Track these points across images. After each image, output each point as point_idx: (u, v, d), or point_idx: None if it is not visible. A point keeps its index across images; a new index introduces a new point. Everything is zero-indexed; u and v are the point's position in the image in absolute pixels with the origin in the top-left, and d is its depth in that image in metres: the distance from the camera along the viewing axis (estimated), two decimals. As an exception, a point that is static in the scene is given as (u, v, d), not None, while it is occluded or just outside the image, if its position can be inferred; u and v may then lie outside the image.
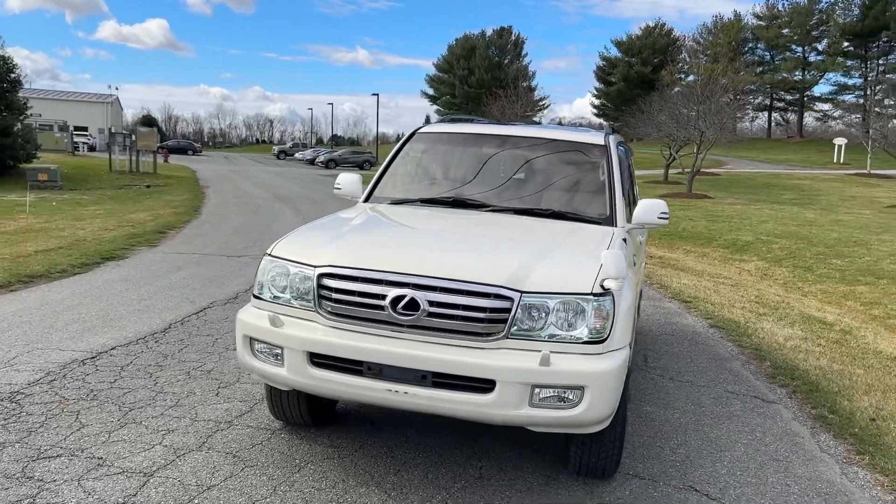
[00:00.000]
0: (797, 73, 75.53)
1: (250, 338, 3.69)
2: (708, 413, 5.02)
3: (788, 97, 77.14)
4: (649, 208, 4.51)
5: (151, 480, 3.57)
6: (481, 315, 3.32)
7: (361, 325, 3.45)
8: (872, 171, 45.90)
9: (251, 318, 3.70)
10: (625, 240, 4.23)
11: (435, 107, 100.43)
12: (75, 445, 3.93)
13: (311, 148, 73.03)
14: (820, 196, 32.23)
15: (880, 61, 71.90)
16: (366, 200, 4.92)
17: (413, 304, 3.34)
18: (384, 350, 3.36)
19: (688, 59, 74.52)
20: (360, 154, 59.05)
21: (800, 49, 76.06)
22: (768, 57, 79.21)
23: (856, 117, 68.73)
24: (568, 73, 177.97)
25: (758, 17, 78.79)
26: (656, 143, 40.45)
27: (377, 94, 65.45)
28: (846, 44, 72.32)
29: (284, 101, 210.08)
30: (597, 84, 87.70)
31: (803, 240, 16.15)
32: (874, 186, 39.05)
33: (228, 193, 24.16)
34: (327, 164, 53.84)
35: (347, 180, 5.07)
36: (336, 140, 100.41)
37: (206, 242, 12.24)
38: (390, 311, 3.37)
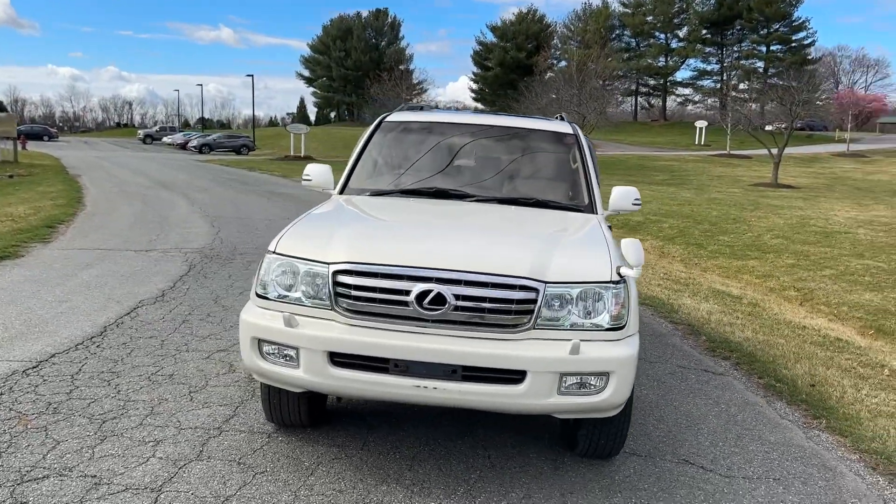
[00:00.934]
0: (661, 59, 79.82)
1: (259, 339, 3.55)
2: (671, 388, 5.29)
3: (653, 82, 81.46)
4: (624, 195, 4.68)
5: (163, 496, 3.37)
6: (509, 307, 3.34)
7: (384, 322, 3.39)
8: (732, 152, 49.25)
9: (258, 318, 3.55)
10: (610, 227, 4.37)
11: (311, 89, 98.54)
12: (59, 465, 3.64)
13: (179, 132, 69.71)
14: (690, 176, 34.35)
15: (735, 48, 77.16)
16: (341, 192, 4.80)
17: (440, 299, 3.32)
18: (412, 346, 3.32)
19: (559, 46, 77.00)
20: (237, 138, 57.01)
21: (663, 36, 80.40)
22: (634, 44, 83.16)
23: (714, 101, 73.60)
24: (440, 56, 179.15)
25: (624, 4, 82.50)
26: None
27: (252, 76, 63.30)
28: (704, 31, 77.10)
29: (143, 81, 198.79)
30: (474, 68, 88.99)
31: (688, 218, 17.21)
32: (735, 166, 42.03)
33: (106, 182, 22.70)
34: (201, 149, 51.63)
35: (318, 171, 4.93)
36: (204, 123, 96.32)
37: (105, 237, 11.49)
38: (416, 306, 3.33)
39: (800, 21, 75.87)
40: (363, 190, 4.80)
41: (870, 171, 39.14)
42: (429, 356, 3.31)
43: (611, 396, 3.37)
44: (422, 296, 3.33)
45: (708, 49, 77.51)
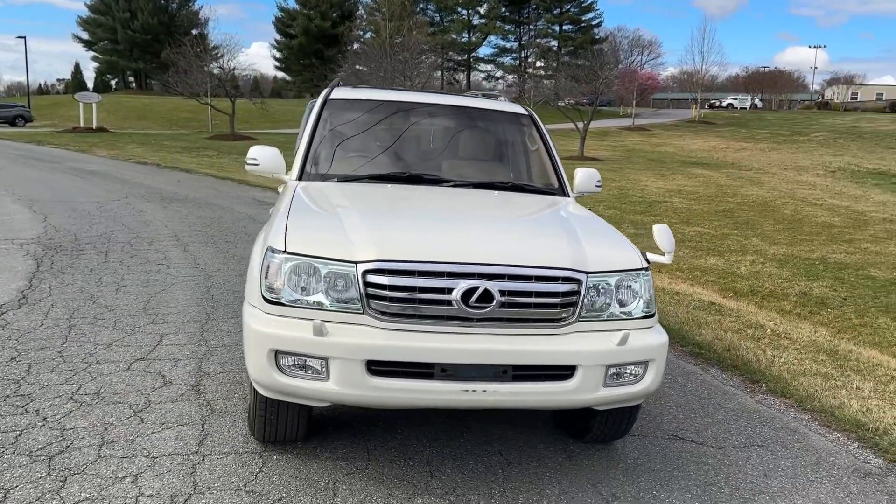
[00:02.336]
0: (464, 34, 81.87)
1: (276, 351, 3.12)
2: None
3: (458, 57, 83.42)
4: (588, 176, 4.68)
5: (185, 543, 2.88)
6: (555, 300, 3.22)
7: (425, 324, 3.12)
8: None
9: (274, 328, 3.13)
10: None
11: (92, 53, 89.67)
12: (27, 520, 2.99)
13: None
14: (505, 149, 35.72)
15: (531, 27, 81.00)
16: (300, 178, 4.34)
17: (487, 296, 3.11)
18: (459, 348, 3.09)
19: (364, 17, 76.29)
20: (10, 107, 50.49)
21: (465, 12, 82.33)
22: (438, 18, 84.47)
23: (514, 78, 77.00)
24: (234, 21, 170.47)
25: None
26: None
27: (24, 37, 56.40)
28: (503, 9, 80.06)
29: None
30: (277, 36, 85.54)
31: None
32: (541, 139, 44.22)
33: None
34: (-35, 120, 45.22)
35: (267, 154, 4.43)
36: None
37: None
38: (461, 305, 3.10)
39: (588, 2, 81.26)
40: (327, 175, 4.39)
41: (656, 143, 43.05)
42: (478, 358, 3.11)
43: (650, 385, 3.37)
44: (468, 293, 3.10)
45: (507, 27, 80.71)
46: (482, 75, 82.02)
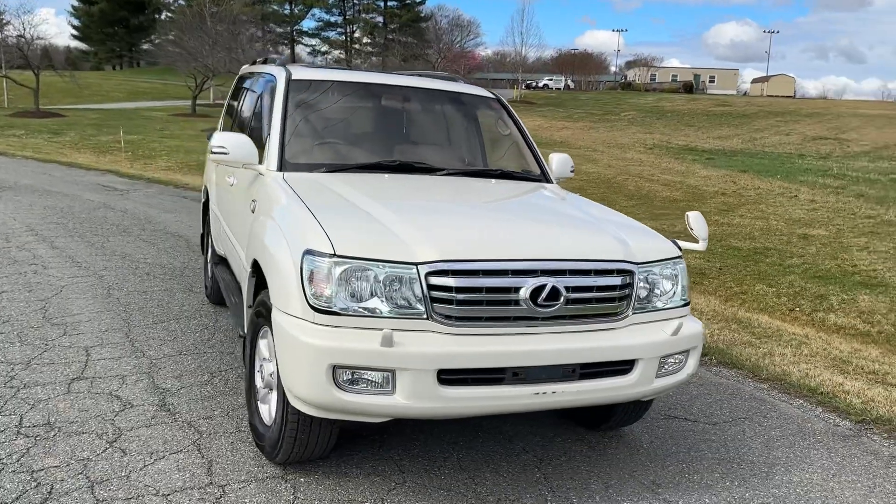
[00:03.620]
0: (286, 6, 78.95)
1: (335, 366, 2.80)
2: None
3: (280, 30, 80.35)
4: (563, 162, 4.64)
5: None
6: (613, 294, 3.16)
7: (493, 327, 2.94)
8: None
9: (332, 340, 2.81)
10: None
11: None
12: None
13: None
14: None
15: (356, 1, 79.78)
16: (280, 169, 3.92)
17: (554, 294, 2.99)
18: (532, 350, 2.96)
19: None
20: None
21: (285, -19, 79.34)
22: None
23: (340, 53, 75.65)
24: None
25: (240, -55, 78.96)
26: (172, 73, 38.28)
27: None
28: (326, -20, 78.01)
29: None
30: (74, 2, 77.56)
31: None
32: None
33: None
34: None
35: (236, 142, 3.97)
36: None
37: None
38: (530, 304, 2.95)
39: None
40: (313, 165, 4.00)
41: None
42: (550, 359, 2.98)
43: (691, 372, 3.41)
44: (535, 292, 2.96)
45: (331, 0, 78.81)
46: (307, 50, 79.81)
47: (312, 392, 2.84)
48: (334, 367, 2.80)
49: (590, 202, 4.07)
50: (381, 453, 3.58)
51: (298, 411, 3.06)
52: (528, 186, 4.27)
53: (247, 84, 5.42)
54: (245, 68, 5.86)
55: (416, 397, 2.82)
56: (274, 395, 3.37)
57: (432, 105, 4.71)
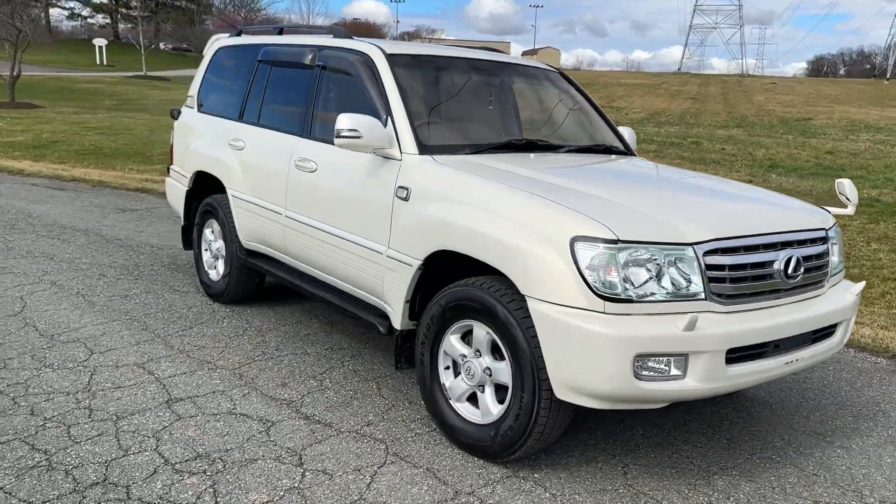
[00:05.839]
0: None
1: (640, 355, 2.75)
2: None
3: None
4: (632, 136, 4.79)
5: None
6: (823, 261, 3.38)
7: (754, 301, 3.05)
8: (149, 73, 47.59)
9: (635, 329, 2.75)
10: None
11: None
12: None
13: None
14: (136, 101, 32.23)
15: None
16: (422, 152, 3.66)
17: (798, 264, 3.16)
18: (792, 321, 3.11)
19: None
20: None
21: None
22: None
23: (104, 18, 68.59)
24: None
25: None
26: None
27: None
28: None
29: None
30: None
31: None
32: (165, 89, 40.87)
33: None
34: None
35: (369, 125, 3.63)
36: None
37: None
38: (782, 276, 3.10)
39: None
40: (454, 147, 3.76)
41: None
42: (801, 327, 3.15)
43: (842, 339, 3.63)
44: (786, 263, 3.11)
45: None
46: (65, 14, 71.27)
47: (613, 385, 2.76)
48: (638, 356, 2.75)
49: (702, 174, 4.26)
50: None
51: (551, 403, 2.96)
52: (643, 162, 4.35)
53: (265, 57, 4.90)
54: (251, 41, 5.28)
55: (706, 379, 2.85)
56: (488, 391, 3.21)
57: (521, 80, 4.61)
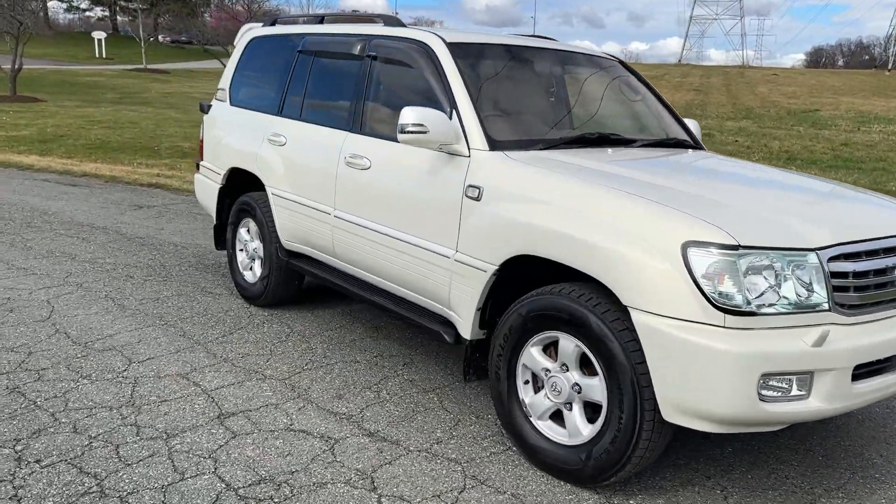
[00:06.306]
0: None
1: (763, 374, 2.50)
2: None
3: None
4: (696, 128, 4.53)
5: None
6: None
7: (874, 311, 2.78)
8: (149, 66, 47.21)
9: (761, 345, 2.48)
10: None
11: None
12: None
13: None
14: (138, 94, 31.89)
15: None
16: (493, 148, 3.39)
17: None
18: None
19: None
20: None
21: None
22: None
23: (103, 11, 67.99)
24: None
25: None
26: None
27: None
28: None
29: None
30: None
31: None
32: (167, 82, 40.52)
33: None
34: None
35: (436, 119, 3.36)
36: None
37: None
38: None
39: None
40: (527, 142, 3.50)
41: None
42: None
43: None
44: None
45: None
46: (62, 6, 70.65)
47: (734, 407, 2.50)
48: (762, 376, 2.49)
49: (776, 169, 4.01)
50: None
51: (654, 424, 2.71)
52: (722, 157, 4.11)
53: (307, 48, 4.63)
54: (289, 30, 5.01)
55: (831, 398, 2.60)
56: (576, 409, 2.96)
57: (583, 70, 4.33)
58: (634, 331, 2.67)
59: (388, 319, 4.88)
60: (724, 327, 2.50)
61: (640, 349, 2.66)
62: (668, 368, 2.57)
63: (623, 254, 2.68)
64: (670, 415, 2.63)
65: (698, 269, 2.52)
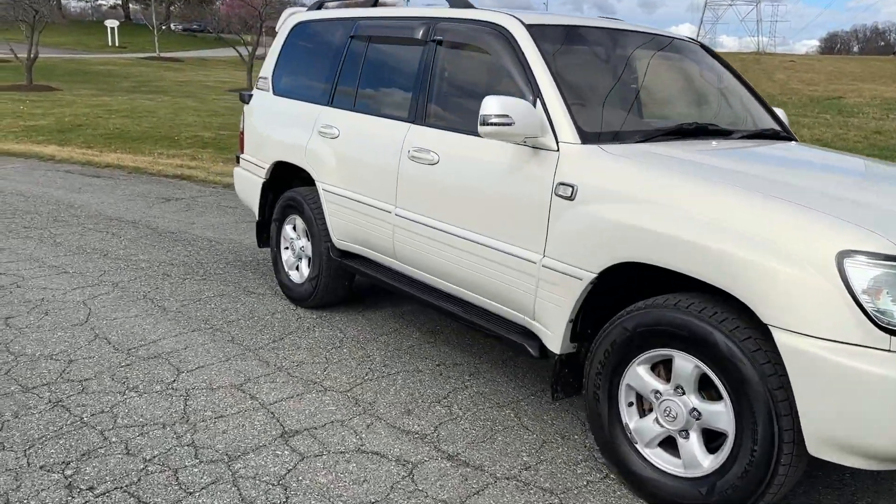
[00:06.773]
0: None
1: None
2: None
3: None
4: (784, 117, 4.18)
5: None
6: None
7: None
8: (162, 55, 46.96)
9: None
10: None
11: None
12: None
13: None
14: (155, 83, 31.62)
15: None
16: (584, 142, 3.05)
17: None
18: None
19: None
20: None
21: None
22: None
23: (118, 1, 67.49)
24: None
25: None
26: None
27: None
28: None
29: None
30: None
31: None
32: (181, 70, 40.26)
33: None
34: None
35: (523, 111, 3.02)
36: None
37: None
38: None
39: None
40: (622, 134, 3.16)
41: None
42: None
43: None
44: None
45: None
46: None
47: (884, 443, 2.17)
48: (925, 404, 2.16)
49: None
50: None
51: (793, 458, 2.38)
52: (824, 150, 3.77)
53: (360, 33, 4.30)
54: (339, 14, 4.67)
55: None
56: (694, 437, 2.64)
57: (667, 55, 3.97)
58: (769, 352, 2.35)
59: (445, 323, 4.57)
60: (890, 351, 2.17)
61: (778, 373, 2.33)
62: (819, 397, 2.24)
63: (762, 264, 2.34)
64: (818, 449, 2.30)
65: (858, 284, 2.19)
